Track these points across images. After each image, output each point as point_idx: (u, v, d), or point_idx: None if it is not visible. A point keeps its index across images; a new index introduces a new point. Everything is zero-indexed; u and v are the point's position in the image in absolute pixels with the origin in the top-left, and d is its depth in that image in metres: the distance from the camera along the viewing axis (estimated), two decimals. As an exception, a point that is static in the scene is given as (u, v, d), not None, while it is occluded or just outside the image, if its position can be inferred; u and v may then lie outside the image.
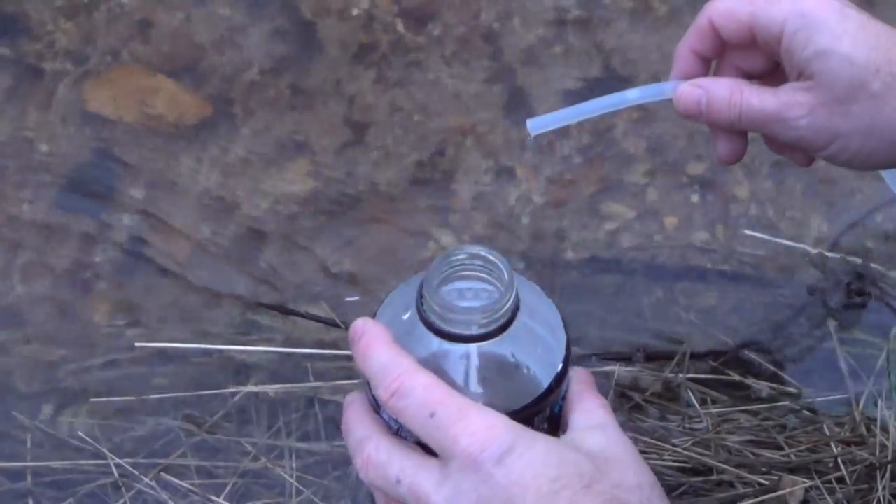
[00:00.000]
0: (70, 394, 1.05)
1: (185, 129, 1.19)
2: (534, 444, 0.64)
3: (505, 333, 0.67)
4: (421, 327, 0.67)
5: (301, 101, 1.21)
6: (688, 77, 0.82)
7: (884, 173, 0.86)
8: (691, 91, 0.81)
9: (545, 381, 0.68)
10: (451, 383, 0.67)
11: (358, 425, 0.70)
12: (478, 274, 0.69)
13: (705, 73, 0.83)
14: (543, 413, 0.69)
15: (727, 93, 0.80)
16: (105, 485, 0.99)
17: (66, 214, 1.15)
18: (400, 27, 1.25)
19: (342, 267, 1.12)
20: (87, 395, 1.04)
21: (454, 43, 1.24)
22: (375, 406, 0.70)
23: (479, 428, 0.64)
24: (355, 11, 1.26)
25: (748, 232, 1.12)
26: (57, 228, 1.14)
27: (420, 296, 0.67)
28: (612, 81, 1.20)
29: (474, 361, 0.68)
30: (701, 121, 0.82)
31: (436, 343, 0.68)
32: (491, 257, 0.68)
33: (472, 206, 1.15)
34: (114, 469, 0.99)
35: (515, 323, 0.67)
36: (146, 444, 1.01)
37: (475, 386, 0.68)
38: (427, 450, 0.67)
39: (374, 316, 0.71)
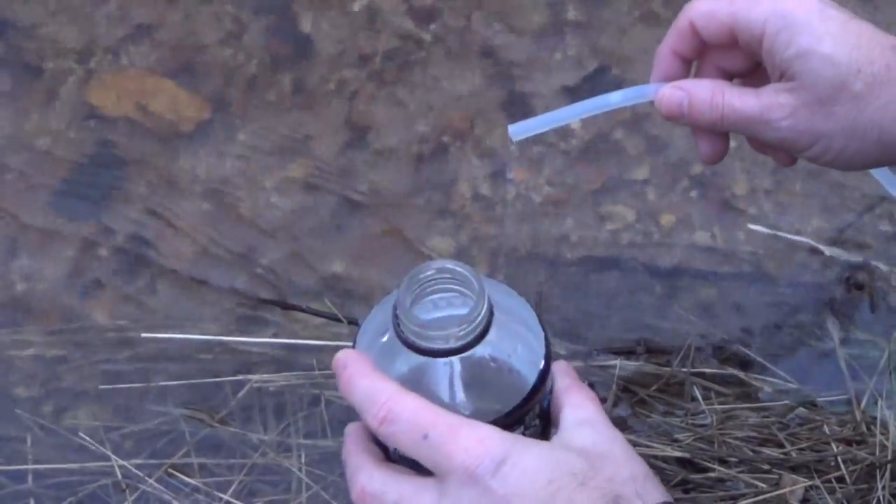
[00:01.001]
0: (72, 393, 1.05)
1: (185, 128, 1.19)
2: (526, 452, 0.66)
3: (483, 341, 0.68)
4: (401, 346, 0.68)
5: (301, 100, 1.21)
6: (669, 78, 0.82)
7: (874, 173, 0.86)
8: (672, 93, 0.81)
9: (530, 380, 0.70)
10: (438, 396, 0.68)
11: (351, 457, 0.71)
12: (448, 287, 0.69)
13: (686, 74, 0.83)
14: (534, 410, 0.70)
15: (708, 94, 0.79)
16: (107, 485, 0.99)
17: (67, 213, 1.15)
18: (401, 25, 1.25)
19: (341, 265, 1.12)
20: (89, 394, 1.04)
21: (454, 42, 1.24)
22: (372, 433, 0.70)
23: (471, 443, 0.65)
24: (356, 7, 1.26)
25: (751, 226, 1.12)
26: (58, 227, 1.14)
27: (396, 317, 0.68)
28: (610, 79, 1.20)
29: (458, 372, 0.69)
30: (683, 123, 0.81)
31: (417, 359, 0.68)
32: (459, 269, 0.69)
33: (471, 205, 1.15)
34: (117, 470, 0.99)
35: (492, 328, 0.68)
36: (150, 444, 1.01)
37: (462, 395, 0.69)
38: (420, 471, 0.67)
39: (354, 343, 0.71)
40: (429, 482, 0.67)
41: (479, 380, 0.69)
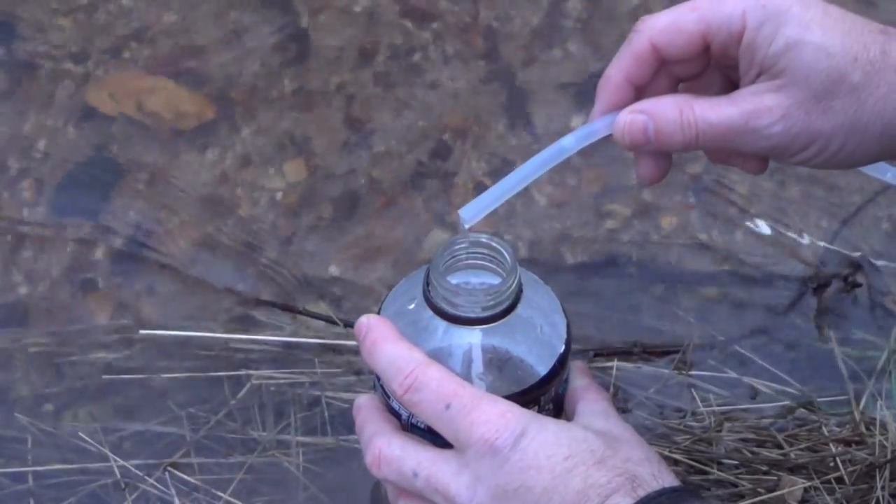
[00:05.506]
0: (72, 394, 1.05)
1: (185, 128, 1.19)
2: (545, 427, 0.67)
3: (510, 316, 0.68)
4: (427, 316, 0.69)
5: (301, 100, 1.21)
6: (618, 109, 0.73)
7: (866, 170, 0.83)
8: (634, 119, 0.72)
9: (549, 363, 0.71)
10: (459, 366, 0.69)
11: (368, 423, 0.71)
12: (481, 263, 0.70)
13: (632, 102, 0.73)
14: (549, 394, 0.71)
15: (676, 113, 0.71)
16: (107, 485, 0.99)
17: (66, 213, 1.14)
18: (401, 26, 1.25)
19: (341, 265, 1.12)
20: (88, 394, 1.04)
21: (454, 42, 1.24)
22: (385, 400, 0.71)
23: (492, 416, 0.66)
24: (356, 9, 1.26)
25: (749, 224, 1.12)
26: (57, 227, 1.14)
27: (427, 281, 0.68)
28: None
29: (481, 345, 0.69)
30: (649, 149, 0.73)
31: (442, 329, 0.69)
32: (493, 243, 0.69)
33: (471, 205, 1.15)
34: (116, 470, 0.99)
35: (519, 307, 0.69)
36: (149, 443, 1.01)
37: (483, 370, 0.70)
38: (435, 444, 0.68)
39: (378, 311, 0.72)
40: (448, 452, 0.68)
41: (500, 356, 0.70)
